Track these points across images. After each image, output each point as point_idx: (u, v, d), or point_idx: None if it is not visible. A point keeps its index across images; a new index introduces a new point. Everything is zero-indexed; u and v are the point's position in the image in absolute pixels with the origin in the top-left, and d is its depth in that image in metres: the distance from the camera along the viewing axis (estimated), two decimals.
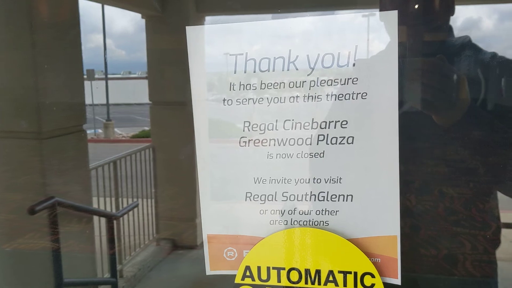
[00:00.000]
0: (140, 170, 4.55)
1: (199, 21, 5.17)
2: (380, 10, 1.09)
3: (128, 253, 4.28)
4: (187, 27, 0.55)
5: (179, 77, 4.23)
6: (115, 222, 3.89)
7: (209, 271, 0.62)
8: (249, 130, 0.55)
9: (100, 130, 15.14)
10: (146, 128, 13.66)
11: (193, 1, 4.89)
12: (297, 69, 0.53)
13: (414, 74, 0.92)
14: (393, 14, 0.49)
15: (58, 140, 2.82)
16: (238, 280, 0.59)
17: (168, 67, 4.85)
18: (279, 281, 0.57)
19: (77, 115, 3.03)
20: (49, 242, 2.55)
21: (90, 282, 3.34)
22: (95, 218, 3.46)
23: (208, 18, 5.36)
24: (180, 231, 5.04)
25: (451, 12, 1.10)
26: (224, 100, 0.56)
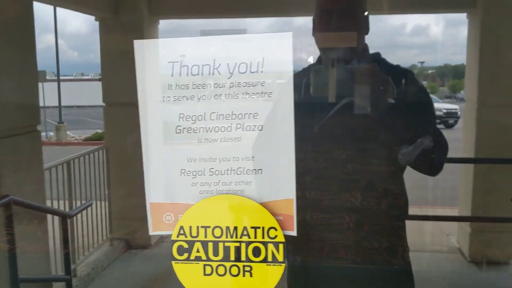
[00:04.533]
0: (94, 172, 4.58)
1: (153, 24, 5.26)
2: (312, 31, 1.32)
3: (82, 252, 4.31)
4: (134, 41, 0.71)
5: (133, 79, 4.30)
6: (69, 222, 3.93)
7: (151, 232, 0.79)
8: (183, 121, 0.73)
9: (52, 133, 14.76)
10: (99, 131, 13.45)
11: (147, 5, 4.98)
12: (220, 74, 0.70)
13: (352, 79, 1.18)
14: (289, 35, 0.68)
15: (12, 140, 2.86)
16: (174, 237, 0.77)
17: (122, 69, 4.92)
18: (205, 236, 0.75)
19: (31, 115, 3.09)
20: (4, 240, 2.60)
21: (45, 279, 3.39)
22: (50, 218, 3.50)
23: (161, 21, 5.45)
24: (133, 230, 5.08)
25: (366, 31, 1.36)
26: (163, 97, 0.73)
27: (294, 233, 0.73)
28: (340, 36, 1.27)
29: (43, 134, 13.13)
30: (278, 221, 0.73)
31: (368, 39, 1.38)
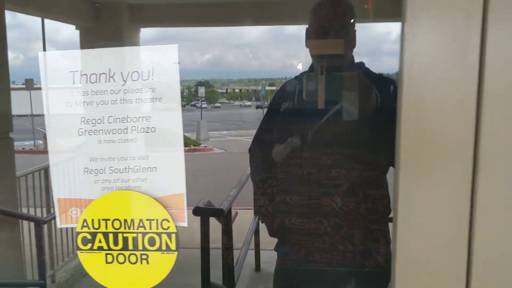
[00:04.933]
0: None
1: (134, 32, 5.35)
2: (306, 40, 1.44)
3: (61, 258, 4.34)
4: (38, 53, 0.79)
5: None
6: (48, 228, 3.98)
7: (59, 225, 0.87)
8: (84, 124, 0.81)
9: (40, 141, 14.72)
10: None
11: (128, 14, 5.07)
12: (115, 81, 0.79)
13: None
14: (175, 47, 0.76)
15: None
16: (78, 229, 0.85)
17: None
18: (106, 228, 0.83)
19: (3, 123, 3.15)
20: None
21: (19, 284, 3.43)
22: (27, 224, 3.55)
23: (143, 30, 5.54)
24: None
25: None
26: (66, 103, 0.81)
27: (185, 224, 0.82)
28: (331, 43, 1.40)
29: (31, 142, 13.11)
30: (171, 214, 0.81)
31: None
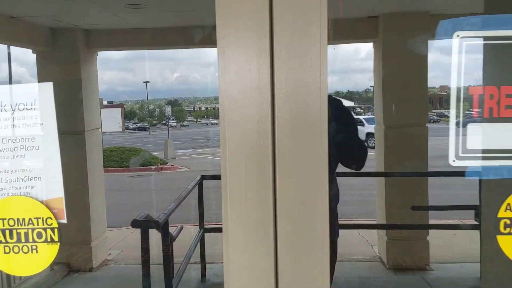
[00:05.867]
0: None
1: (91, 56, 5.56)
2: None
3: (18, 276, 4.44)
4: None
5: (67, 108, 4.57)
6: None
7: None
8: None
9: None
10: None
11: (83, 39, 5.28)
12: (6, 111, 1.02)
13: None
14: (50, 84, 1.01)
15: None
16: None
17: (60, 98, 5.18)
18: (3, 226, 1.05)
19: None
20: None
21: None
22: None
23: (100, 53, 5.76)
24: (74, 254, 5.24)
25: None
26: None
27: (65, 221, 1.05)
28: None
29: None
30: (53, 213, 1.05)
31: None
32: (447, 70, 0.92)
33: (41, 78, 5.27)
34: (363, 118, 15.13)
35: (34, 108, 1.01)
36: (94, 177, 5.33)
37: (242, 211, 0.99)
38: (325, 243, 0.98)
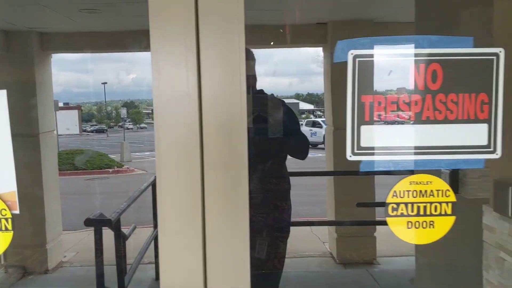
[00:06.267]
0: None
1: (45, 58, 5.58)
2: None
3: None
4: None
5: (24, 109, 4.60)
6: None
7: None
8: None
9: None
10: None
11: (38, 41, 5.30)
12: None
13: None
14: (4, 92, 1.15)
15: None
16: None
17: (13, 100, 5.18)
18: None
19: None
20: None
21: None
22: None
23: (54, 55, 5.78)
24: (29, 257, 5.24)
25: None
26: None
27: (17, 212, 1.19)
28: None
29: None
30: (7, 205, 1.19)
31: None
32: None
33: None
34: (321, 120, 15.44)
35: None
36: (49, 180, 5.35)
37: (174, 200, 1.16)
38: (245, 223, 1.16)
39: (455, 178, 1.80)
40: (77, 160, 12.17)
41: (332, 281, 4.74)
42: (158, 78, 1.14)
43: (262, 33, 4.89)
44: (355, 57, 1.14)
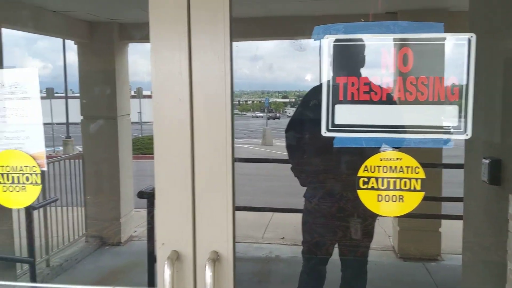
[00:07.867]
0: (71, 178, 5.30)
1: (122, 47, 6.03)
2: None
3: (56, 245, 4.94)
4: None
5: (106, 94, 5.08)
6: (39, 215, 4.60)
7: None
8: None
9: (61, 148, 15.25)
10: None
11: (117, 31, 5.74)
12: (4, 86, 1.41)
13: None
14: (35, 70, 1.37)
15: None
16: None
17: (97, 86, 5.69)
18: (2, 171, 1.44)
19: None
20: None
21: (10, 259, 4.04)
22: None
23: (130, 45, 6.24)
24: (106, 229, 5.75)
25: None
26: None
27: (45, 169, 1.42)
28: None
29: (51, 149, 13.74)
30: (38, 163, 1.43)
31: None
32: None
33: (81, 67, 5.78)
34: None
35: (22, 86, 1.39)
36: (124, 160, 5.80)
37: (168, 163, 1.33)
38: (228, 180, 1.31)
39: (496, 170, 1.79)
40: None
41: (385, 273, 4.71)
42: (155, 63, 1.31)
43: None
44: (330, 41, 1.23)
